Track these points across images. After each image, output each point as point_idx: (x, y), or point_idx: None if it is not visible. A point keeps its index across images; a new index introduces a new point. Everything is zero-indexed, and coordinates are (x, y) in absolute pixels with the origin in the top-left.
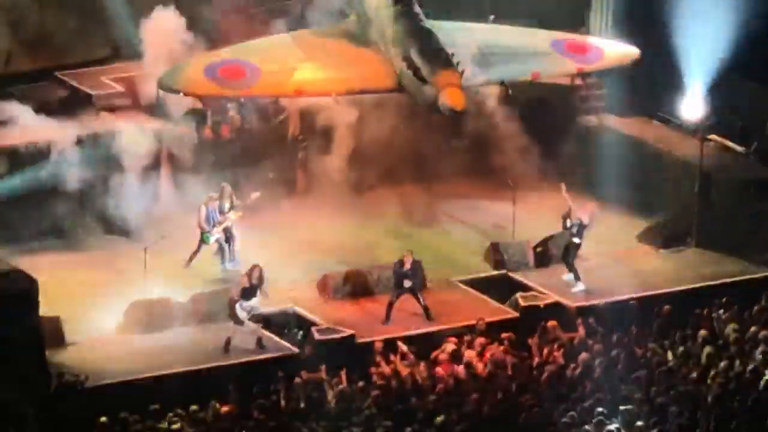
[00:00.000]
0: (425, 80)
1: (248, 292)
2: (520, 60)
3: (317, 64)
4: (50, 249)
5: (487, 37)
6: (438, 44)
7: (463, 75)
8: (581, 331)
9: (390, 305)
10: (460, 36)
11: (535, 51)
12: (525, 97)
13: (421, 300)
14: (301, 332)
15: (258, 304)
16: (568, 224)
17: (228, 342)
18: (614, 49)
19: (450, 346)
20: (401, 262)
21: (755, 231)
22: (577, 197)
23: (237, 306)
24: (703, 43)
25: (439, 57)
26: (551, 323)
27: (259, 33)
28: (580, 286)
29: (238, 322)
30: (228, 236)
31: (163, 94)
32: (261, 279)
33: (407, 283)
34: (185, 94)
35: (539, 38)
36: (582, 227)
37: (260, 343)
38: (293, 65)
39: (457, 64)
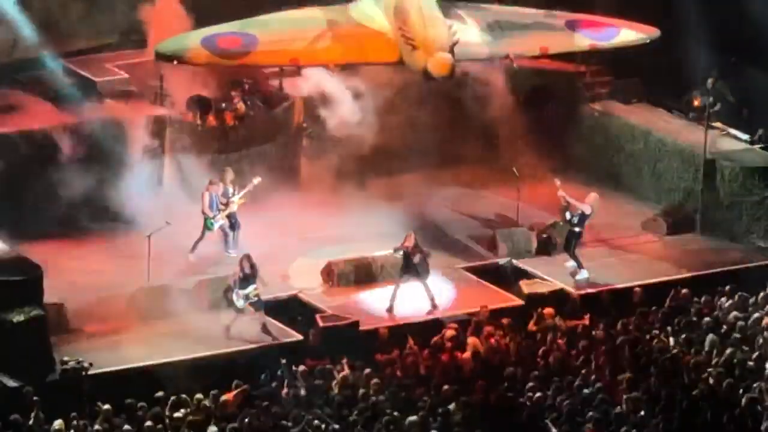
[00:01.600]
0: (416, 46)
1: (243, 281)
2: (529, 34)
3: (317, 35)
4: (54, 236)
5: (499, 14)
6: (432, 12)
7: (459, 44)
8: (585, 318)
9: (395, 291)
10: (470, 13)
11: (547, 26)
12: (529, 84)
13: (429, 289)
14: (305, 319)
15: (254, 291)
16: (568, 216)
17: (227, 329)
18: (632, 28)
19: (450, 332)
20: (402, 244)
21: (759, 218)
22: (579, 186)
23: (233, 294)
24: (709, 30)
25: (430, 23)
26: (547, 310)
27: None
28: (583, 274)
29: (238, 310)
30: (232, 223)
31: (168, 78)
32: (254, 267)
33: (413, 263)
34: (179, 62)
35: (554, 16)
36: (584, 216)
37: (265, 329)
38: (293, 36)
39: (454, 33)
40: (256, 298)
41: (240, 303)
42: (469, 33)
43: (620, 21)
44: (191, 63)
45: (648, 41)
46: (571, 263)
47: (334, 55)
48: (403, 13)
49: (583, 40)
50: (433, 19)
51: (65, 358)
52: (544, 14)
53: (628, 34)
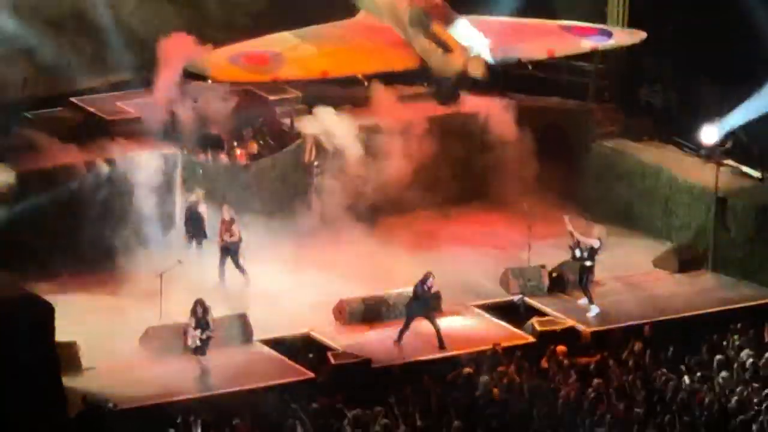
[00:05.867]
0: (449, 48)
1: (198, 323)
2: (534, 39)
3: (339, 48)
4: (66, 274)
5: (502, 22)
6: (457, 16)
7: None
8: (597, 355)
9: (405, 327)
10: (476, 22)
11: (548, 32)
12: (540, 121)
13: (436, 324)
14: (316, 357)
15: (203, 335)
16: (578, 254)
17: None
18: (622, 32)
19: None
20: (424, 281)
21: None
22: (590, 223)
23: (188, 335)
24: (718, 67)
25: (460, 26)
26: (560, 348)
27: None
28: (594, 310)
29: (194, 351)
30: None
31: (178, 118)
32: (205, 310)
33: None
34: (213, 81)
35: (549, 24)
36: (593, 251)
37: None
38: (315, 51)
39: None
40: (200, 343)
41: (192, 342)
42: (479, 43)
43: (609, 27)
44: (221, 80)
45: (639, 42)
46: (584, 300)
47: (362, 65)
48: (424, 19)
49: (585, 43)
50: (459, 22)
51: (91, 398)
52: (539, 21)
53: (620, 36)
